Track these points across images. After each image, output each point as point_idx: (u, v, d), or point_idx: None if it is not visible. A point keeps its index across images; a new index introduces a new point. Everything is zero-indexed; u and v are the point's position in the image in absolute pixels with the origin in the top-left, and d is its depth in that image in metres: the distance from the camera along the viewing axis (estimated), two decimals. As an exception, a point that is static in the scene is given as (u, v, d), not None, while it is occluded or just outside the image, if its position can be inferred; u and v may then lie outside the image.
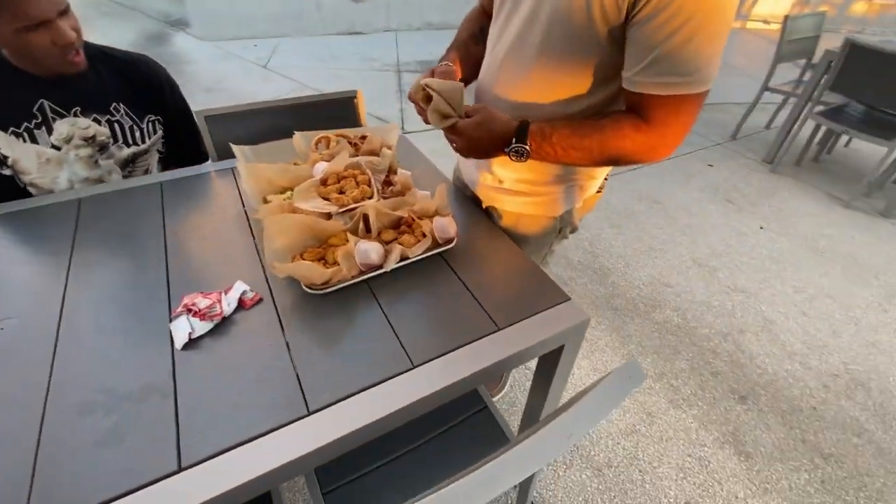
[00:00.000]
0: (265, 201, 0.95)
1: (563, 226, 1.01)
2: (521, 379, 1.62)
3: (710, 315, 1.92)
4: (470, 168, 1.06)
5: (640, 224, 2.46)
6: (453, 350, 0.73)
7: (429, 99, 0.79)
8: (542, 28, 0.76)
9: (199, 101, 3.42)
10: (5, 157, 1.02)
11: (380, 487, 0.87)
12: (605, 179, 1.00)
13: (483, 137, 0.80)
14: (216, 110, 1.25)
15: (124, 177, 1.18)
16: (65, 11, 0.96)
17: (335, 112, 1.41)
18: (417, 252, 0.87)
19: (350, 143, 1.09)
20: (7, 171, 1.04)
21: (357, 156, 1.05)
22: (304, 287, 0.81)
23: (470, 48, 1.02)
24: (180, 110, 1.26)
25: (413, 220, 0.92)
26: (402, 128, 3.30)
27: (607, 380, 0.56)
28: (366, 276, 0.84)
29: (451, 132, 0.82)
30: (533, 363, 1.64)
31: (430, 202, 0.94)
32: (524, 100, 0.85)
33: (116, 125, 1.12)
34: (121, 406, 0.64)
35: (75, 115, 1.06)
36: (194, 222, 1.00)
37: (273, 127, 1.32)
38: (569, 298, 0.83)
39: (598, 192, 1.01)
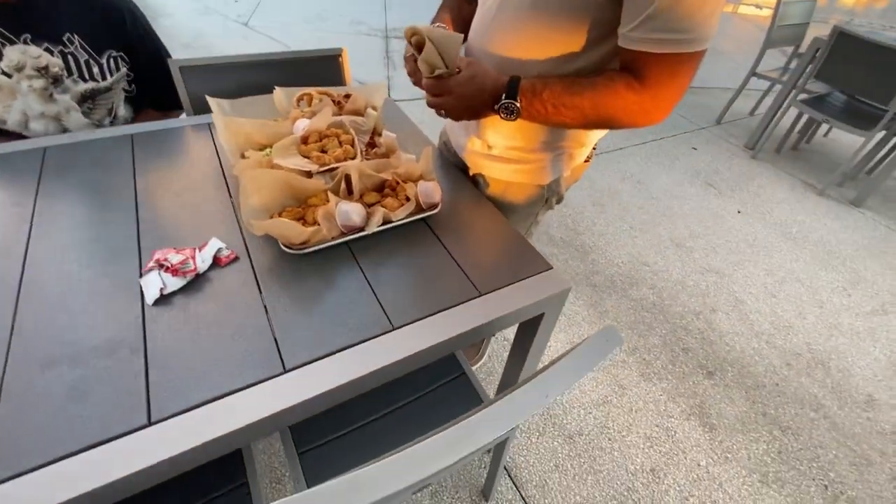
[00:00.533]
0: (243, 157, 0.91)
1: (550, 195, 1.00)
2: (499, 350, 1.64)
3: (685, 294, 1.97)
4: (458, 133, 1.04)
5: (623, 203, 2.48)
6: (434, 314, 0.73)
7: (421, 48, 0.75)
8: None
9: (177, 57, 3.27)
10: None
11: (356, 448, 0.87)
12: (594, 149, 0.99)
13: (474, 94, 0.77)
14: (192, 61, 1.18)
15: (84, 113, 1.12)
16: None
17: (318, 70, 1.35)
18: (400, 216, 0.85)
19: (333, 101, 1.05)
20: None
21: (340, 115, 1.01)
22: (281, 246, 0.79)
23: (463, 7, 0.98)
24: (147, 45, 1.16)
25: (397, 183, 0.90)
26: (390, 96, 3.21)
27: (585, 342, 0.56)
28: (347, 238, 0.83)
29: (440, 88, 0.78)
30: (511, 334, 1.67)
31: (416, 166, 0.92)
32: (516, 56, 0.82)
33: (70, 57, 1.05)
34: (87, 360, 0.61)
35: (25, 42, 1.00)
36: (167, 177, 0.95)
37: (252, 83, 1.25)
38: (551, 267, 0.83)
39: (586, 161, 1.00)
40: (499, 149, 0.95)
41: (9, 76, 1.01)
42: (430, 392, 0.97)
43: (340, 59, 1.36)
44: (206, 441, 0.55)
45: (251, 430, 0.58)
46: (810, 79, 2.70)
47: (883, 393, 1.67)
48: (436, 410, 0.95)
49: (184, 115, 1.23)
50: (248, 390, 0.60)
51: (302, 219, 0.83)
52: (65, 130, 1.12)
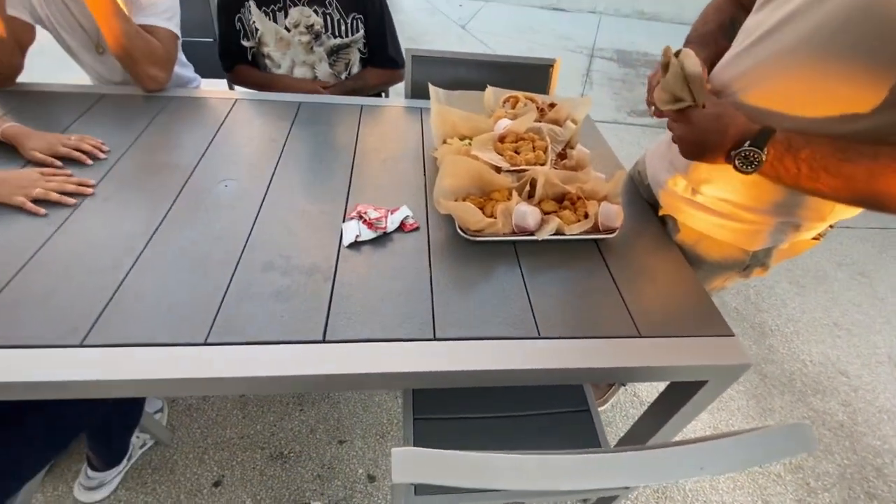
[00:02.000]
0: (445, 143, 0.99)
1: (754, 263, 0.86)
2: (624, 403, 1.50)
3: (890, 428, 1.52)
4: (659, 167, 0.96)
5: (831, 293, 2.02)
6: (582, 337, 0.70)
7: (666, 70, 0.69)
8: (834, 16, 0.59)
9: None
10: (257, 30, 1.35)
11: (465, 435, 0.89)
12: (831, 227, 0.82)
13: (713, 132, 0.67)
14: (421, 51, 1.33)
15: (329, 65, 1.43)
16: None
17: (527, 77, 1.39)
18: (574, 231, 0.84)
19: (538, 107, 1.07)
20: (248, 44, 1.39)
21: (541, 121, 1.03)
22: (458, 229, 0.84)
23: (719, 42, 0.86)
24: (378, 10, 1.40)
25: (579, 198, 0.89)
26: (578, 114, 3.16)
27: (768, 430, 0.48)
28: (517, 238, 0.84)
29: (681, 118, 0.70)
30: (643, 392, 1.51)
31: (603, 185, 0.89)
32: (778, 109, 0.68)
33: (328, 17, 1.35)
34: (293, 273, 0.75)
35: (303, 3, 1.31)
36: (379, 144, 1.10)
37: (467, 79, 1.37)
38: (732, 335, 0.72)
39: (816, 238, 0.83)
40: (706, 197, 0.84)
41: (288, 30, 1.34)
42: (549, 414, 0.94)
43: (551, 69, 1.39)
44: (359, 373, 0.62)
45: (392, 379, 0.64)
46: None
47: None
48: (550, 433, 0.91)
49: (402, 99, 1.41)
50: (400, 343, 0.66)
51: (482, 209, 0.87)
52: (315, 76, 1.45)
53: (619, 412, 1.47)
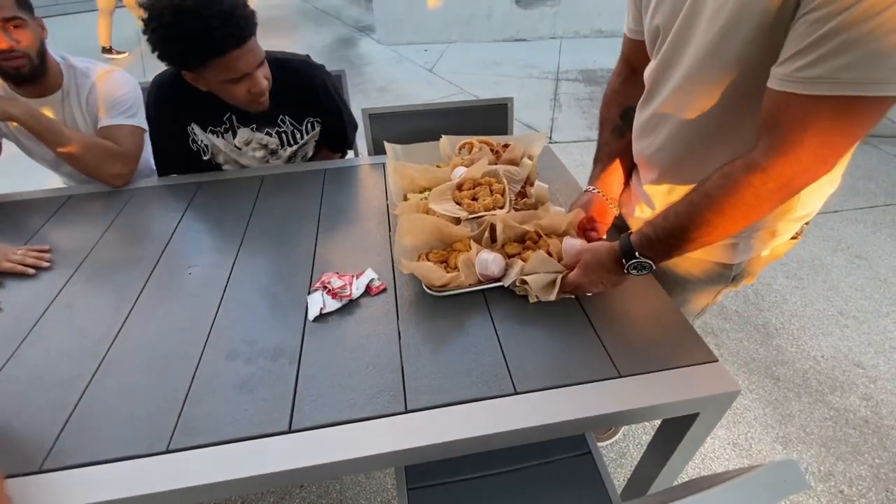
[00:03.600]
0: (405, 199, 0.99)
1: (738, 274, 0.84)
2: (637, 430, 1.44)
3: (921, 417, 1.45)
4: (624, 199, 0.95)
5: (832, 281, 1.97)
6: (561, 386, 0.67)
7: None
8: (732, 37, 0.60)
9: (372, 99, 3.85)
10: (206, 146, 1.24)
11: (463, 500, 0.85)
12: (807, 224, 0.80)
13: (599, 274, 0.76)
14: (378, 109, 1.36)
15: (287, 161, 1.35)
16: (261, 64, 1.08)
17: (487, 117, 1.42)
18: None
19: (492, 150, 1.08)
20: (207, 157, 1.27)
21: (497, 163, 1.04)
22: (423, 286, 0.83)
23: (613, 146, 0.92)
24: (333, 107, 1.31)
25: (540, 236, 0.87)
26: (551, 137, 3.21)
27: (752, 475, 0.44)
28: (483, 287, 0.83)
29: (572, 285, 0.78)
30: (657, 420, 1.45)
31: (562, 219, 0.88)
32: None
33: (283, 134, 1.27)
34: (257, 359, 0.73)
35: (252, 130, 1.23)
36: (344, 208, 1.10)
37: (427, 128, 1.38)
38: (715, 360, 0.69)
39: (794, 238, 0.81)
40: None
41: (239, 148, 1.25)
42: (549, 463, 0.89)
43: (508, 107, 1.41)
44: (327, 462, 0.59)
45: (369, 462, 0.61)
46: None
47: None
48: (551, 486, 0.86)
49: (351, 154, 1.41)
50: (372, 421, 0.63)
51: (445, 262, 0.86)
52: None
53: (631, 441, 1.41)
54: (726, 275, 0.84)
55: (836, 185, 0.73)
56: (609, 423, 0.65)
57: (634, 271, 0.71)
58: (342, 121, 1.37)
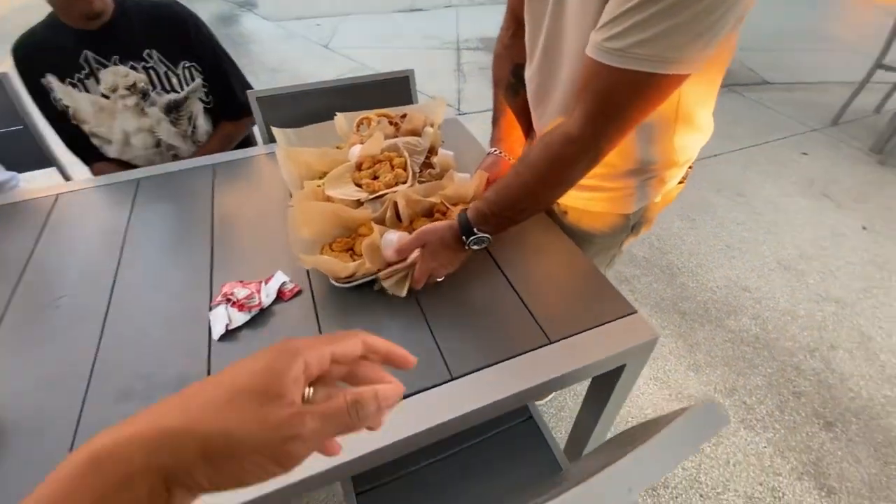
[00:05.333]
0: (303, 187, 0.91)
1: (637, 222, 0.89)
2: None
3: (796, 326, 1.70)
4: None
5: (718, 219, 2.22)
6: (497, 363, 0.66)
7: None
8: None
9: (264, 81, 3.52)
10: (67, 107, 1.13)
11: (414, 492, 0.82)
12: (690, 168, 0.86)
13: (445, 255, 0.75)
14: (266, 91, 1.23)
15: (171, 123, 1.23)
16: None
17: (389, 91, 1.34)
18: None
19: (391, 122, 1.02)
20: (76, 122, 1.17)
21: (397, 135, 0.98)
22: (331, 280, 0.76)
23: (510, 105, 0.92)
24: (210, 53, 1.25)
25: (447, 208, 0.84)
26: (459, 109, 3.19)
27: (678, 423, 0.46)
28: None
29: (422, 271, 0.74)
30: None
31: (467, 186, 0.85)
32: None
33: (152, 71, 1.16)
34: (157, 395, 0.63)
35: (114, 63, 1.13)
36: (241, 207, 0.98)
37: (324, 108, 1.26)
38: (634, 311, 0.72)
39: (681, 182, 0.87)
40: None
41: (107, 97, 1.15)
42: (493, 436, 0.90)
43: (409, 79, 1.35)
44: (265, 493, 0.53)
45: (312, 481, 0.55)
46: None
47: None
48: (499, 457, 0.87)
49: (260, 146, 1.29)
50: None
51: (351, 249, 0.80)
52: (159, 143, 1.25)
53: (568, 393, 1.48)
54: (625, 225, 0.89)
55: (709, 135, 0.79)
56: (547, 391, 0.66)
57: (476, 246, 0.74)
58: (224, 73, 1.26)
